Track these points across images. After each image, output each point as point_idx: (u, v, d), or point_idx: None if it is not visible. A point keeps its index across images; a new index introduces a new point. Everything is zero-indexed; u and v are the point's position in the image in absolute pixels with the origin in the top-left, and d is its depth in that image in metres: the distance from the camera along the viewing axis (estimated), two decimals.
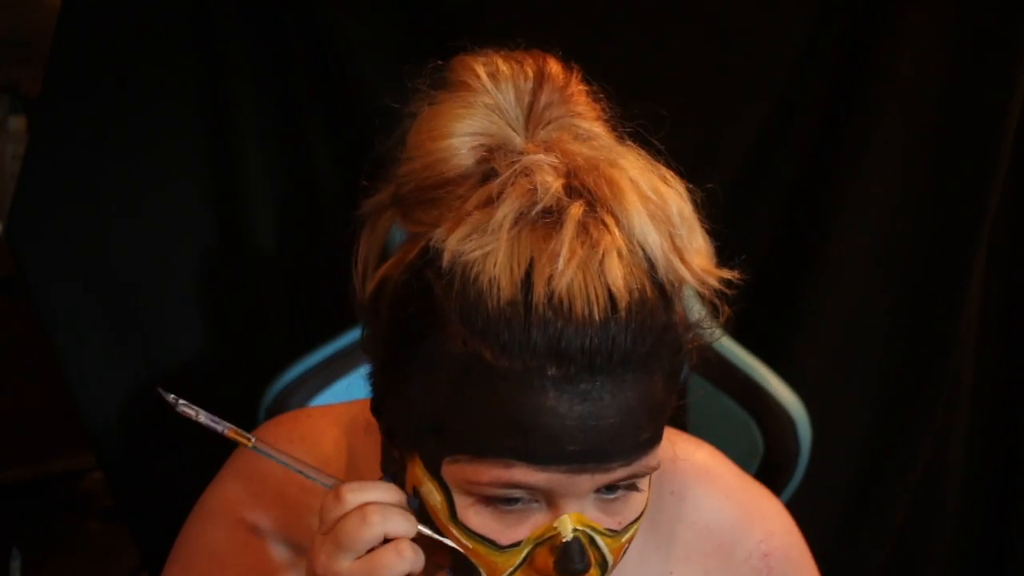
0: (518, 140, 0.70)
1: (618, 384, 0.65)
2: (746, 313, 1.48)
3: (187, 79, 1.49)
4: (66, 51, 1.45)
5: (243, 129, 1.49)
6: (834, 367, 1.45)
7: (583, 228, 0.64)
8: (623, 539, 0.71)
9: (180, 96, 1.49)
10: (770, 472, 1.22)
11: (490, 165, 0.69)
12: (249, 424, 1.10)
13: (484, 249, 0.65)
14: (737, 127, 1.47)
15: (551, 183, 0.66)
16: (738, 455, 1.02)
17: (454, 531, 0.70)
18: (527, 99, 0.71)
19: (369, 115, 1.46)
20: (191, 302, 1.52)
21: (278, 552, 0.84)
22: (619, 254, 0.65)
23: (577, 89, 0.73)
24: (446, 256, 0.66)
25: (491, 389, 0.65)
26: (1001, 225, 1.45)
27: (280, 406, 1.26)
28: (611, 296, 0.64)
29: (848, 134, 1.42)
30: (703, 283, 0.70)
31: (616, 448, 0.66)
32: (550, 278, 0.63)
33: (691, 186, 0.72)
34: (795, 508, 1.14)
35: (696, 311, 0.74)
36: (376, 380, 0.75)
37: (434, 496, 0.70)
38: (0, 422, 2.41)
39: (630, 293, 0.64)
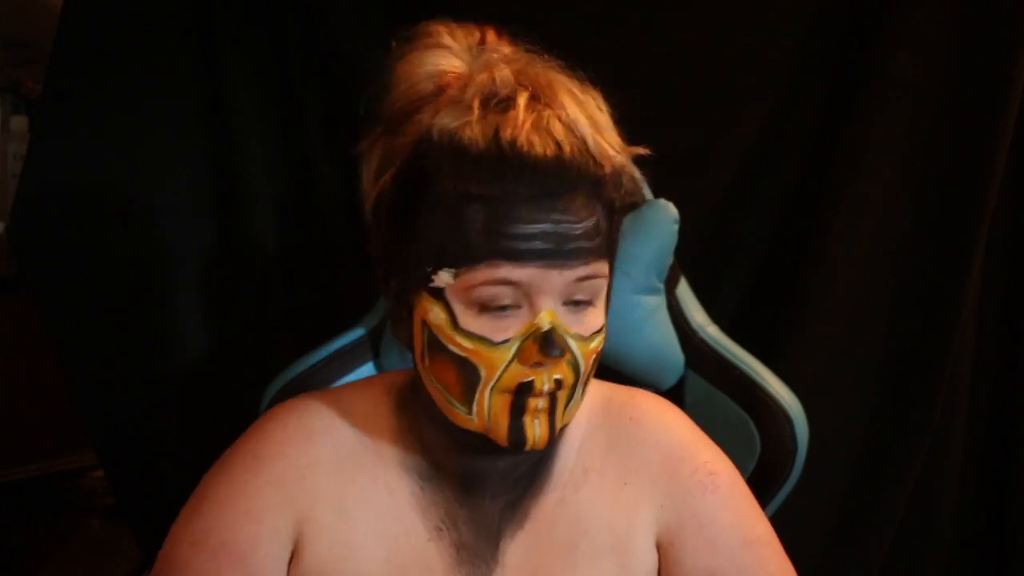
0: (474, 67, 0.89)
1: (571, 202, 0.85)
2: (745, 312, 1.50)
3: (188, 80, 1.49)
4: (67, 52, 1.45)
5: (244, 129, 1.49)
6: (833, 366, 1.45)
7: (531, 105, 0.85)
8: (590, 346, 0.88)
9: (181, 96, 1.49)
10: (767, 471, 1.22)
11: (453, 82, 0.88)
12: (251, 423, 1.10)
13: (462, 119, 0.84)
14: (737, 127, 1.47)
15: (506, 74, 0.86)
16: (736, 454, 1.04)
17: (457, 338, 0.86)
18: (475, 44, 0.91)
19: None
20: (191, 302, 1.52)
21: (283, 529, 0.93)
22: (560, 120, 0.84)
23: (513, 46, 0.92)
24: (435, 131, 0.85)
25: (480, 212, 0.84)
26: (1001, 225, 1.45)
27: None
28: (558, 143, 0.84)
29: (848, 134, 1.42)
30: (621, 155, 0.88)
31: (574, 248, 0.85)
32: (513, 132, 0.83)
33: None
34: (793, 507, 1.14)
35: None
36: (384, 260, 0.92)
37: (439, 315, 0.87)
38: (1, 421, 2.41)
39: (571, 145, 0.84)
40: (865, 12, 1.40)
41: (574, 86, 0.89)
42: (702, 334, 1.30)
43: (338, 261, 1.51)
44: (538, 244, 0.84)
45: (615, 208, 0.90)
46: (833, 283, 1.43)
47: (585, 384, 0.89)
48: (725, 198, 1.47)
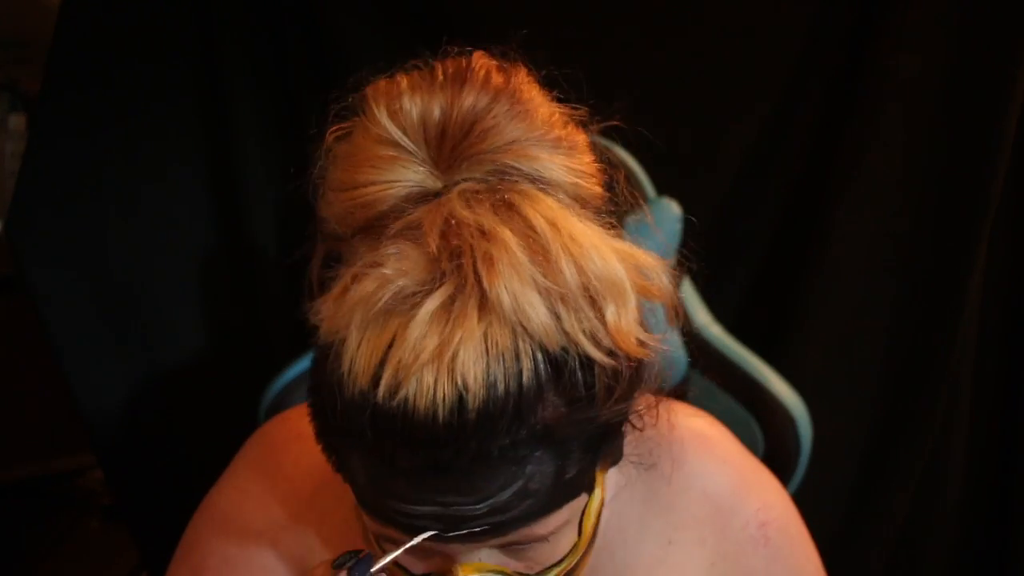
0: (431, 181, 0.66)
1: (471, 477, 0.62)
2: (746, 312, 1.50)
3: (187, 78, 1.49)
4: (65, 49, 1.45)
5: (243, 128, 1.49)
6: (834, 366, 1.45)
7: (443, 315, 0.60)
8: None
9: (180, 95, 1.49)
10: (771, 470, 1.22)
11: (403, 213, 0.65)
12: (251, 424, 1.10)
13: (343, 332, 0.62)
14: (737, 127, 1.47)
15: (408, 271, 0.62)
16: None
17: (376, 549, 0.71)
18: (435, 133, 0.66)
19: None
20: (191, 301, 1.52)
21: (290, 548, 0.84)
22: (480, 342, 0.60)
23: (516, 97, 0.67)
24: (320, 331, 0.64)
25: (360, 464, 0.65)
26: (1001, 225, 1.45)
27: (280, 406, 1.26)
28: (460, 395, 0.60)
29: (848, 134, 1.42)
30: (619, 357, 0.64)
31: (479, 526, 0.64)
32: (395, 372, 0.60)
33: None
34: (796, 506, 1.14)
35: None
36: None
37: (362, 514, 0.71)
38: (0, 421, 2.41)
39: (488, 387, 0.60)
40: (866, 12, 1.40)
41: (555, 228, 0.62)
42: (705, 333, 1.29)
43: (338, 261, 1.51)
44: (423, 523, 0.64)
45: (599, 427, 0.66)
46: (835, 283, 1.43)
47: None
48: (726, 197, 1.47)
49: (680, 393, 1.28)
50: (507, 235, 0.61)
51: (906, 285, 1.44)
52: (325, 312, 0.64)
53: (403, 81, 0.68)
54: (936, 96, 1.40)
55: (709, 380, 1.29)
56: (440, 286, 0.61)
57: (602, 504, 0.73)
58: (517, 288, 0.60)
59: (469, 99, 0.65)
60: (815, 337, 1.44)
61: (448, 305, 0.60)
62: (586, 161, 0.69)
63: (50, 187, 1.46)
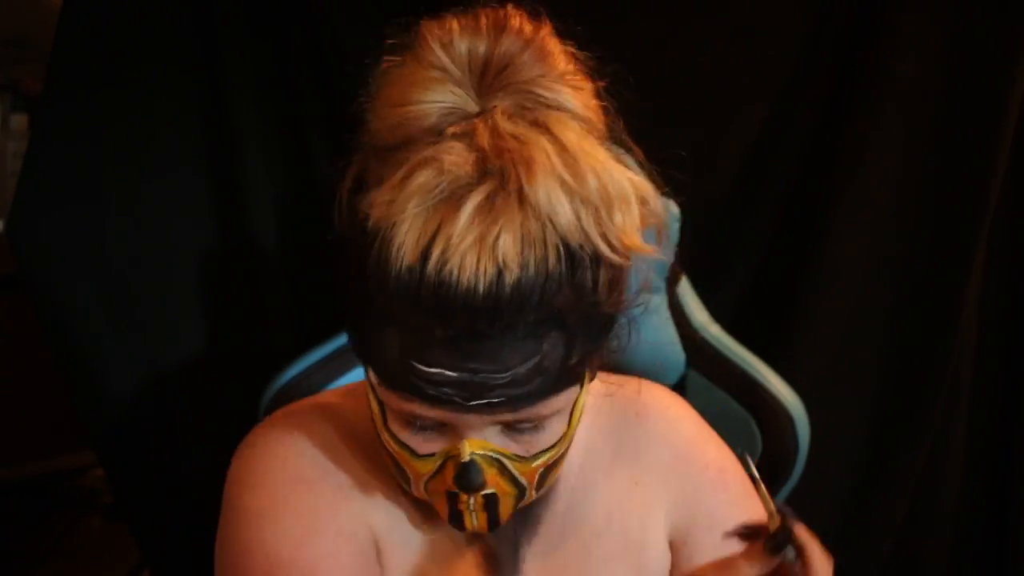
0: (470, 105, 0.77)
1: (500, 347, 0.73)
2: (745, 312, 1.50)
3: (188, 78, 1.49)
4: (67, 50, 1.45)
5: (244, 128, 1.49)
6: (834, 366, 1.45)
7: (487, 205, 0.71)
8: (534, 464, 0.81)
9: (181, 95, 1.49)
10: (769, 470, 1.22)
11: (441, 130, 0.76)
12: (251, 424, 1.09)
13: (397, 217, 0.72)
14: (737, 127, 1.47)
15: (460, 165, 0.72)
16: (737, 452, 1.03)
17: (386, 435, 0.81)
18: (479, 63, 0.77)
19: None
20: (192, 301, 1.52)
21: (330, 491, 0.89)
22: (518, 230, 0.71)
23: (544, 45, 0.79)
24: (370, 220, 0.74)
25: (395, 337, 0.75)
26: (1001, 225, 1.45)
27: (280, 405, 1.26)
28: (499, 271, 0.71)
29: (848, 134, 1.42)
30: (624, 257, 0.75)
31: (499, 398, 0.75)
32: (444, 250, 0.71)
33: (652, 164, 0.80)
34: (795, 507, 1.14)
35: (635, 283, 0.81)
36: (337, 296, 0.83)
37: (374, 404, 0.82)
38: (1, 420, 2.41)
39: (522, 268, 0.71)
40: (865, 12, 1.40)
41: (579, 145, 0.74)
42: (703, 333, 1.30)
43: (337, 260, 1.51)
44: (448, 391, 0.74)
45: (600, 318, 0.78)
46: (834, 283, 1.43)
47: (541, 485, 0.83)
48: (726, 197, 1.47)
49: (679, 391, 1.29)
50: (543, 143, 0.73)
51: (905, 285, 1.44)
52: (380, 199, 0.74)
53: (453, 22, 0.79)
54: (935, 97, 1.40)
55: (707, 379, 1.29)
56: (486, 181, 0.72)
57: (583, 409, 0.83)
58: (550, 188, 0.71)
59: (507, 41, 0.77)
60: (814, 337, 1.44)
61: (493, 197, 0.71)
62: (593, 103, 0.80)
63: (51, 187, 1.46)
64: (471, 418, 0.76)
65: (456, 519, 0.83)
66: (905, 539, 1.51)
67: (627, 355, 1.10)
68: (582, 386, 0.82)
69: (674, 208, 1.25)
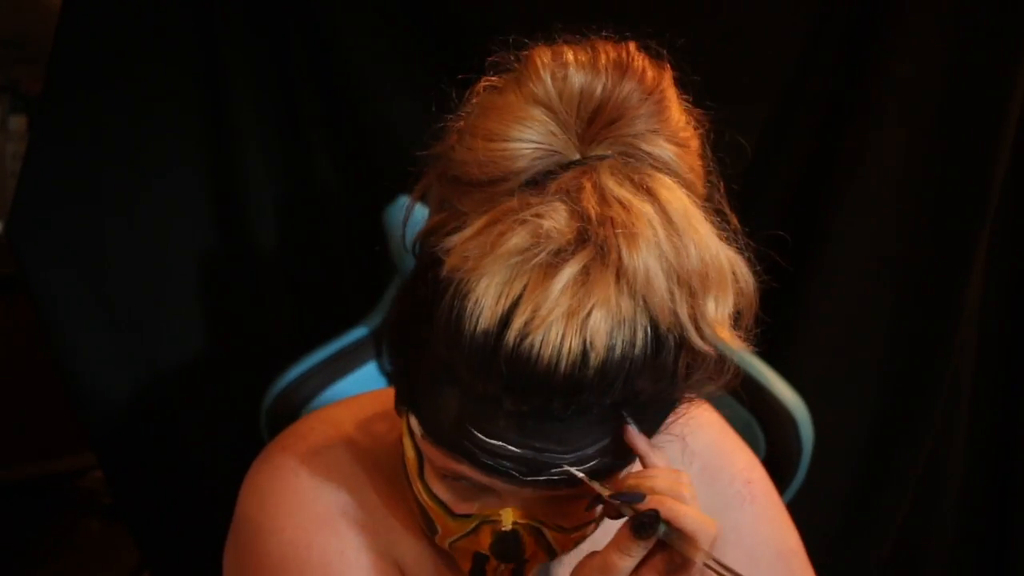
0: (571, 152, 0.70)
1: (570, 428, 0.68)
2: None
3: (188, 79, 1.48)
4: (66, 50, 1.45)
5: (243, 128, 1.49)
6: (834, 367, 1.45)
7: (583, 276, 0.65)
8: (572, 535, 0.76)
9: (180, 95, 1.49)
10: (772, 472, 1.21)
11: (535, 174, 0.70)
12: (251, 424, 1.10)
13: (479, 272, 0.66)
14: (737, 127, 1.46)
15: (561, 232, 0.66)
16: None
17: (420, 487, 0.76)
18: (591, 106, 0.70)
19: (369, 114, 1.47)
20: (192, 301, 1.52)
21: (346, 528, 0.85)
22: (612, 307, 0.65)
23: (664, 97, 0.73)
24: (447, 264, 0.68)
25: (455, 399, 0.69)
26: (1001, 225, 1.45)
27: (281, 406, 1.26)
28: (585, 351, 0.65)
29: (848, 134, 1.42)
30: (711, 347, 0.70)
31: (559, 475, 0.69)
32: (528, 320, 0.65)
33: (748, 246, 0.73)
34: (796, 508, 1.14)
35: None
36: (388, 335, 0.78)
37: (410, 451, 0.76)
38: (1, 420, 2.41)
39: (609, 350, 0.65)
40: (866, 13, 1.40)
41: (684, 215, 0.68)
42: None
43: (339, 261, 1.51)
44: (507, 464, 0.69)
45: (670, 402, 0.74)
46: (834, 284, 1.43)
47: (568, 552, 0.78)
48: (726, 197, 1.47)
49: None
50: (650, 212, 0.67)
51: (906, 285, 1.44)
52: (464, 249, 0.67)
53: (568, 53, 0.71)
54: (936, 97, 1.40)
55: None
56: (584, 249, 0.66)
57: None
58: (651, 264, 0.66)
59: (627, 87, 0.71)
60: (815, 337, 1.44)
61: (589, 268, 0.65)
62: (697, 164, 0.75)
63: (50, 187, 1.46)
64: (524, 491, 0.72)
65: None
66: (905, 539, 1.51)
67: None
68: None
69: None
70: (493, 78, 0.74)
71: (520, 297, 0.65)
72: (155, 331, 1.52)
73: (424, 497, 0.76)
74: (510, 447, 0.68)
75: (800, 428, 1.24)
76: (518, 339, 0.65)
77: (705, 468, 0.91)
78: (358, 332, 1.28)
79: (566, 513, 0.75)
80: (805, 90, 1.44)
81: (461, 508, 0.75)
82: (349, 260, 1.50)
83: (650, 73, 0.72)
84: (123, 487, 1.58)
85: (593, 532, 0.78)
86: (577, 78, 0.70)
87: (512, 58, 0.73)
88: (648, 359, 0.67)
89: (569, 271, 0.65)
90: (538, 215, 0.66)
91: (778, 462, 1.23)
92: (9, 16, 2.40)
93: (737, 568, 0.84)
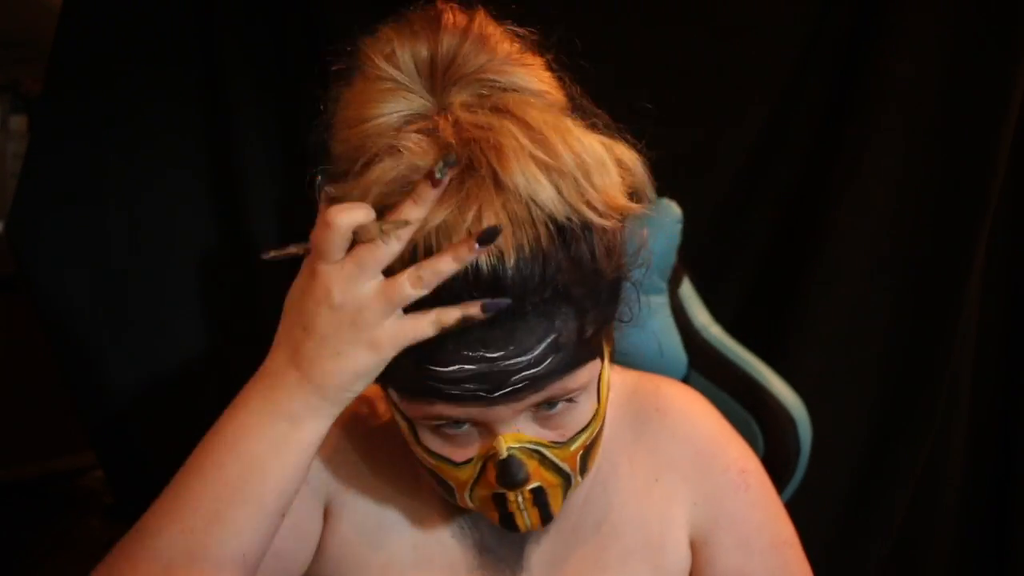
0: (428, 107, 0.76)
1: (512, 331, 0.73)
2: (746, 313, 1.50)
3: (187, 79, 1.49)
4: (66, 50, 1.45)
5: (243, 128, 1.49)
6: (834, 367, 1.45)
7: (464, 196, 0.71)
8: (572, 448, 0.80)
9: (180, 95, 1.49)
10: (771, 471, 1.22)
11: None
12: None
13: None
14: (737, 127, 1.47)
15: (422, 154, 0.72)
16: None
17: (420, 451, 0.81)
18: (426, 65, 0.77)
19: None
20: (192, 301, 1.52)
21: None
22: (501, 213, 0.71)
23: (482, 32, 0.79)
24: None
25: (410, 349, 0.74)
26: (1001, 225, 1.45)
27: None
28: (498, 256, 0.71)
29: (848, 134, 1.42)
30: (612, 217, 0.75)
31: (520, 381, 0.74)
32: (431, 247, 0.71)
33: (622, 123, 0.78)
34: (795, 507, 1.14)
35: (637, 234, 0.81)
36: None
37: (403, 424, 0.82)
38: (1, 420, 2.41)
39: (517, 250, 0.71)
40: (866, 12, 1.40)
41: (545, 121, 0.74)
42: (705, 334, 1.29)
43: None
44: (470, 386, 0.74)
45: (605, 286, 0.78)
46: (834, 283, 1.43)
47: (584, 469, 0.83)
48: (726, 198, 1.47)
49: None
50: (509, 126, 0.73)
51: (905, 285, 1.44)
52: (338, 193, 0.75)
53: (388, 32, 0.79)
54: (935, 97, 1.40)
55: (708, 380, 1.29)
56: (459, 170, 0.72)
57: (608, 383, 0.83)
58: (525, 169, 0.71)
59: (446, 38, 0.77)
60: (815, 337, 1.44)
61: (461, 186, 0.71)
62: (546, 76, 0.80)
63: (50, 187, 1.46)
64: (500, 410, 0.76)
65: (508, 521, 0.82)
66: (905, 539, 1.51)
67: (629, 356, 1.11)
68: (603, 360, 0.81)
69: (676, 210, 1.24)
70: (341, 81, 0.80)
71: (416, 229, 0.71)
72: (155, 330, 1.52)
73: (428, 459, 0.81)
74: (465, 366, 0.73)
75: (799, 427, 1.24)
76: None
77: (699, 455, 0.94)
78: None
79: (556, 428, 0.79)
80: (805, 90, 1.44)
81: (460, 455, 0.79)
82: None
83: (461, 19, 0.79)
84: (123, 486, 1.58)
85: (592, 437, 0.81)
86: (402, 48, 0.77)
87: (351, 61, 0.80)
88: (560, 251, 0.73)
89: (453, 192, 0.71)
90: (394, 146, 0.73)
91: (776, 461, 1.23)
92: (9, 16, 2.41)
93: (731, 555, 0.90)
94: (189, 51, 1.48)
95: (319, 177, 0.80)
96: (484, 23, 0.79)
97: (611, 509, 0.92)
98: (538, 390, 0.75)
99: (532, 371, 0.74)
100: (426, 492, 0.92)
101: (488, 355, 0.73)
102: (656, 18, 1.44)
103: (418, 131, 0.74)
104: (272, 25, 1.48)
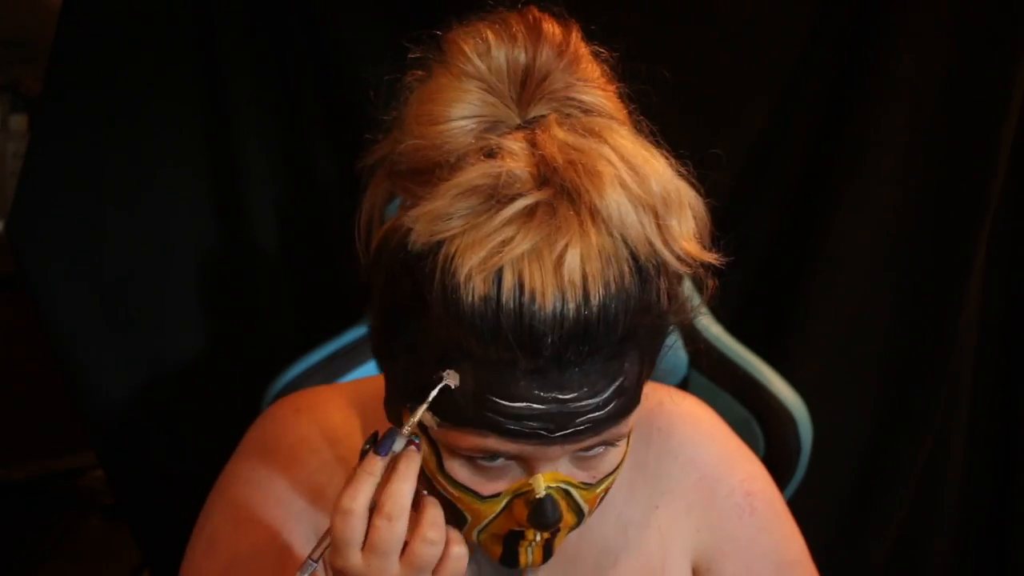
0: (512, 118, 0.72)
1: (586, 373, 0.70)
2: (746, 312, 1.50)
3: (187, 78, 1.48)
4: (67, 50, 1.45)
5: (243, 127, 1.49)
6: (834, 366, 1.45)
7: (558, 222, 0.67)
8: (598, 490, 0.77)
9: (181, 94, 1.49)
10: (771, 471, 1.21)
11: (483, 145, 0.71)
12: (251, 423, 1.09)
13: (447, 232, 0.68)
14: (737, 126, 1.47)
15: (519, 174, 0.68)
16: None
17: (441, 480, 0.76)
18: (519, 73, 0.73)
19: (370, 113, 1.47)
20: (192, 301, 1.52)
21: (299, 528, 0.87)
22: (594, 248, 0.67)
23: (576, 50, 0.75)
24: (414, 236, 0.69)
25: (469, 373, 0.70)
26: (1001, 225, 1.45)
27: None
28: (585, 291, 0.66)
29: (848, 133, 1.42)
30: (688, 266, 0.73)
31: (584, 424, 0.71)
32: (520, 272, 0.66)
33: (688, 166, 0.75)
34: (796, 506, 1.14)
35: (686, 287, 0.78)
36: (374, 336, 0.78)
37: (425, 447, 0.75)
38: (0, 421, 2.41)
39: (604, 286, 0.67)
40: (866, 12, 1.40)
41: (634, 149, 0.70)
42: (705, 334, 1.29)
43: (339, 259, 1.51)
44: (533, 424, 0.70)
45: (663, 334, 0.76)
46: (834, 283, 1.43)
47: (593, 512, 0.79)
48: (726, 197, 1.47)
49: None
50: (606, 152, 0.69)
51: (906, 285, 1.44)
52: (424, 211, 0.68)
53: (486, 30, 0.74)
54: (936, 96, 1.40)
55: (709, 380, 1.29)
56: (548, 189, 0.68)
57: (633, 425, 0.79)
58: (620, 200, 0.68)
59: (545, 50, 0.73)
60: (815, 337, 1.44)
61: (565, 213, 0.67)
62: (620, 104, 0.77)
63: (51, 187, 1.46)
64: (553, 450, 0.72)
65: (511, 559, 0.79)
66: (905, 539, 1.51)
67: None
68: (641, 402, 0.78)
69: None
70: (418, 71, 0.75)
71: (501, 250, 0.67)
72: (155, 330, 1.52)
73: (448, 488, 0.76)
74: (534, 405, 0.69)
75: (799, 427, 1.24)
76: (518, 295, 0.66)
77: (703, 479, 0.91)
78: (358, 330, 1.28)
79: (590, 469, 0.76)
80: (805, 90, 1.44)
81: (488, 489, 0.75)
82: (349, 259, 1.50)
83: (559, 31, 0.75)
84: (123, 486, 1.58)
85: (614, 480, 0.78)
86: (499, 49, 0.72)
87: (430, 48, 0.76)
88: (638, 290, 0.69)
89: (543, 217, 0.67)
90: (494, 152, 0.69)
91: (777, 461, 1.23)
92: (9, 16, 2.40)
93: None
94: (189, 51, 1.47)
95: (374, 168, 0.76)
96: (578, 42, 0.76)
97: (610, 536, 0.90)
98: (597, 433, 0.72)
99: (597, 414, 0.71)
100: None
101: (561, 396, 0.70)
102: (656, 17, 1.44)
103: (515, 139, 0.70)
104: (272, 25, 1.48)
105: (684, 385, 1.30)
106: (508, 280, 0.66)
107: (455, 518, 0.78)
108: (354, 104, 1.45)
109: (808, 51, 1.43)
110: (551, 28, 0.74)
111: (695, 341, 1.30)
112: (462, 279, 0.67)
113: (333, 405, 0.91)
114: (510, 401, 0.70)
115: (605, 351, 0.69)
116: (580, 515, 0.78)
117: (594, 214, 0.67)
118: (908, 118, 1.40)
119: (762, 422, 1.25)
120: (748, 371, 1.26)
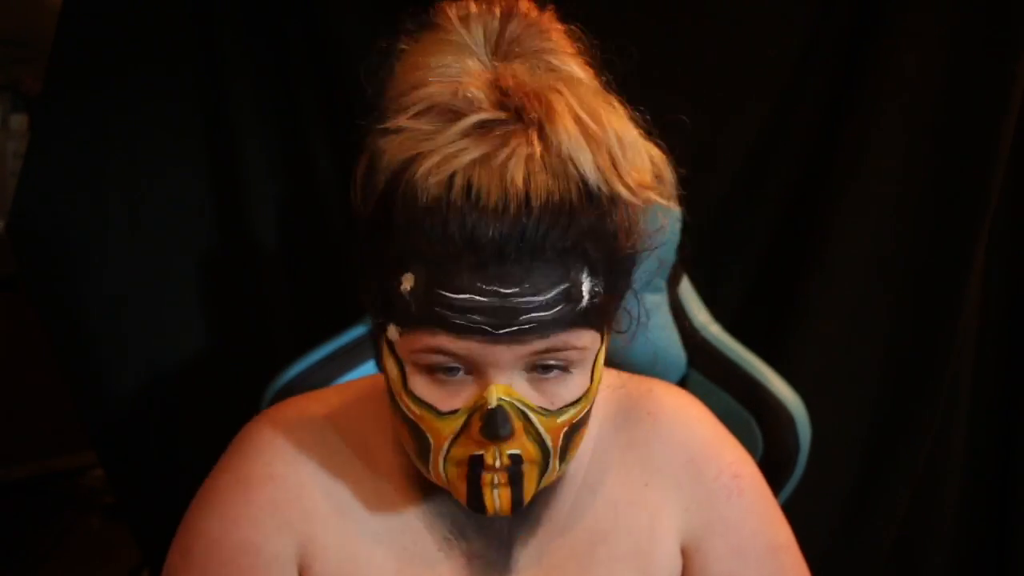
0: (487, 68, 0.80)
1: (528, 271, 0.75)
2: (746, 312, 1.50)
3: (187, 77, 1.49)
4: (67, 50, 1.45)
5: (244, 127, 1.49)
6: (834, 366, 1.45)
7: (508, 137, 0.74)
8: (559, 419, 0.80)
9: (181, 94, 1.49)
10: (770, 470, 1.22)
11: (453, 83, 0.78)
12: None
13: (416, 148, 0.75)
14: (737, 126, 1.47)
15: (476, 93, 0.76)
16: None
17: (406, 398, 0.80)
18: (494, 35, 0.81)
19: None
20: (192, 300, 1.52)
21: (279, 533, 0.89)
22: (539, 161, 0.74)
23: (550, 25, 0.83)
24: (386, 158, 0.77)
25: (422, 271, 0.76)
26: (1001, 224, 1.45)
27: None
28: (527, 195, 0.73)
29: (848, 133, 1.42)
30: (639, 197, 0.79)
31: (528, 322, 0.75)
32: (468, 175, 0.73)
33: (643, 111, 0.82)
34: (795, 506, 1.15)
35: (655, 221, 0.84)
36: (361, 279, 0.84)
37: (393, 369, 0.81)
38: (0, 420, 2.41)
39: (548, 195, 0.74)
40: (866, 11, 1.40)
41: (593, 97, 0.78)
42: (704, 333, 1.30)
43: (338, 259, 1.51)
44: (477, 318, 0.75)
45: (619, 259, 0.80)
46: (834, 282, 1.43)
47: (564, 453, 0.82)
48: (726, 197, 1.47)
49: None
50: (564, 90, 0.77)
51: (906, 285, 1.44)
52: (392, 134, 0.76)
53: (470, 3, 0.83)
54: (936, 96, 1.40)
55: (709, 379, 1.29)
56: (504, 111, 0.75)
57: (602, 368, 0.84)
58: (571, 130, 0.75)
59: (515, 22, 0.81)
60: (815, 337, 1.44)
61: (512, 124, 0.75)
62: (593, 75, 0.83)
63: (51, 187, 1.46)
64: (500, 351, 0.76)
65: (477, 499, 0.81)
66: (905, 538, 1.51)
67: (628, 354, 1.11)
68: (603, 339, 0.82)
69: (675, 208, 1.24)
70: (410, 39, 0.83)
71: (461, 153, 0.74)
72: (155, 330, 1.52)
73: (413, 408, 0.80)
74: (476, 297, 0.74)
75: (798, 426, 1.24)
76: (463, 192, 0.73)
77: (692, 460, 0.93)
78: (358, 330, 1.28)
79: (547, 394, 0.80)
80: (805, 90, 1.44)
81: (447, 404, 0.79)
82: (350, 256, 1.50)
83: (533, 12, 0.83)
84: (123, 486, 1.59)
85: (579, 416, 0.81)
86: (480, 18, 0.81)
87: (423, 20, 0.84)
88: (585, 207, 0.76)
89: (498, 132, 0.74)
90: (453, 79, 0.77)
91: (776, 460, 1.24)
92: (9, 16, 2.41)
93: (724, 562, 0.90)
94: (189, 51, 1.48)
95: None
96: (552, 19, 0.84)
97: (600, 514, 0.91)
98: (542, 336, 0.76)
99: (541, 314, 0.75)
100: (404, 508, 0.89)
101: (502, 290, 0.75)
102: (656, 16, 1.44)
103: (480, 73, 0.78)
104: (272, 25, 1.48)
105: (683, 384, 1.30)
106: (458, 183, 0.74)
107: (419, 444, 0.81)
108: (354, 104, 1.45)
109: (808, 51, 1.43)
110: (526, 8, 0.83)
111: (694, 340, 1.30)
112: (419, 185, 0.74)
113: (313, 418, 0.92)
114: (455, 293, 0.75)
115: (548, 255, 0.75)
116: (544, 449, 0.80)
117: (543, 135, 0.75)
118: (908, 118, 1.40)
119: (761, 422, 1.25)
120: (747, 370, 1.27)
